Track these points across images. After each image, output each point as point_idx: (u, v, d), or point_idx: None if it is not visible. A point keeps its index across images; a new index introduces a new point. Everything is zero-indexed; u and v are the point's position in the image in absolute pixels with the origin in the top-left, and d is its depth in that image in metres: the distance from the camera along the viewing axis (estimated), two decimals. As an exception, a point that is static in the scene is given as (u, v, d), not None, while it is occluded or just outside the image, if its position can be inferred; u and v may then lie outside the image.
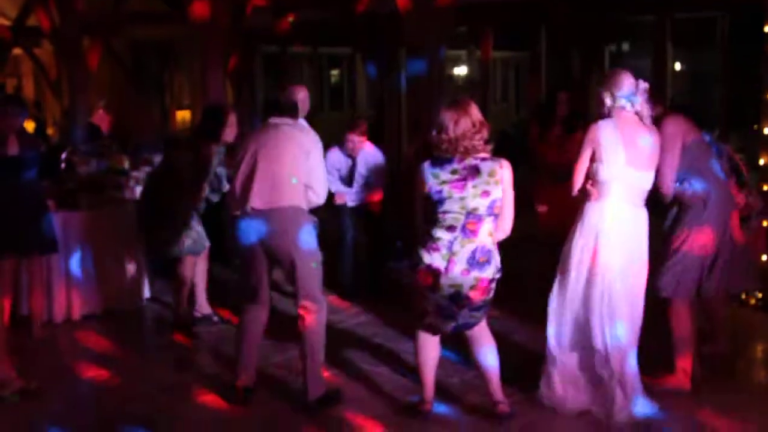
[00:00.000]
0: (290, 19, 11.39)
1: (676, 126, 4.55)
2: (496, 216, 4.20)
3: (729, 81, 10.09)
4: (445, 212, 4.17)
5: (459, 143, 4.17)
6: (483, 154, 4.22)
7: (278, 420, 4.56)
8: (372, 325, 6.14)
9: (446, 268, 4.14)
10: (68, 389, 5.11)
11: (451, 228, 4.16)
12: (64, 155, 6.87)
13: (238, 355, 4.73)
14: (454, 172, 4.17)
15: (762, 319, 6.08)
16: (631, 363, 4.35)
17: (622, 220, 4.30)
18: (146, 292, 6.89)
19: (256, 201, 4.51)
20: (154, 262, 6.86)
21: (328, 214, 6.27)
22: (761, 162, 6.13)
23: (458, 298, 4.17)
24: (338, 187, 6.75)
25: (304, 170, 4.55)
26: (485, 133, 4.23)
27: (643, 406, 4.35)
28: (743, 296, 6.29)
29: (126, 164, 6.63)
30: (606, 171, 4.29)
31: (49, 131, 13.57)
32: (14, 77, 16.36)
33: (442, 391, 4.61)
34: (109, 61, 14.14)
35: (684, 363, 4.69)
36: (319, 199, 4.65)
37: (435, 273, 4.16)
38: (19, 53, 15.47)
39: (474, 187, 4.14)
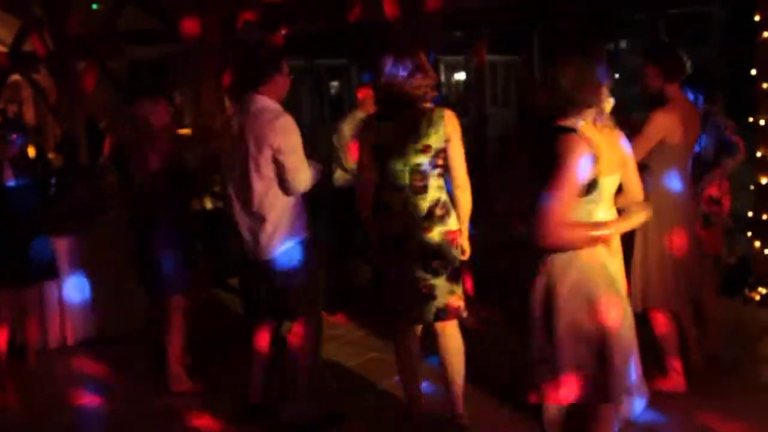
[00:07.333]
0: (283, 32, 11.34)
1: (663, 123, 4.38)
2: (442, 168, 4.03)
3: (724, 74, 9.98)
4: (389, 171, 4.02)
5: (402, 88, 3.95)
6: (425, 105, 4.00)
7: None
8: (367, 338, 6.02)
9: (406, 232, 3.98)
10: (63, 416, 5.04)
11: (399, 188, 4.00)
12: (53, 180, 6.83)
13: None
14: (394, 127, 3.99)
15: (766, 316, 5.94)
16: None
17: None
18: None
19: None
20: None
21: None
22: (758, 154, 6.02)
23: (428, 257, 3.98)
24: None
25: None
26: (431, 81, 4.02)
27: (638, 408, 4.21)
28: (747, 292, 6.19)
29: (115, 187, 6.60)
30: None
31: (50, 156, 13.56)
32: (15, 103, 16.40)
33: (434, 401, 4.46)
34: (106, 81, 14.14)
35: (674, 363, 4.58)
36: None
37: (398, 239, 4.00)
38: (18, 79, 15.51)
39: (414, 142, 3.96)
